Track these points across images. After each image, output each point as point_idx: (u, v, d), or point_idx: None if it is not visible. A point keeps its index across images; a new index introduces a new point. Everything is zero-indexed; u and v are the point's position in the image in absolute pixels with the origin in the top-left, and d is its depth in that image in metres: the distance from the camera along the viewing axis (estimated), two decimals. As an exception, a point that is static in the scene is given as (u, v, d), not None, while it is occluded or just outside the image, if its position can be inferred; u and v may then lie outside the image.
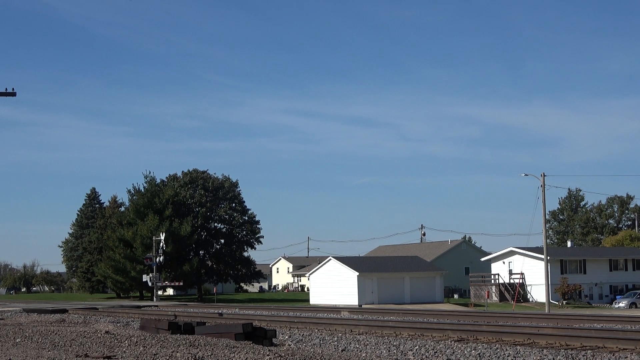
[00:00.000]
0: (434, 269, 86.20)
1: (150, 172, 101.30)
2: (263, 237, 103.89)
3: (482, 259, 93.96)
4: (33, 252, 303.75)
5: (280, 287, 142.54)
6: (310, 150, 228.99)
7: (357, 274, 78.96)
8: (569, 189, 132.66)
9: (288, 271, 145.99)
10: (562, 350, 20.92)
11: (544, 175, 65.21)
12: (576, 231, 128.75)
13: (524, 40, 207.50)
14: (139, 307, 59.11)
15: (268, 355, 17.21)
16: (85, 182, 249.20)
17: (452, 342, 23.58)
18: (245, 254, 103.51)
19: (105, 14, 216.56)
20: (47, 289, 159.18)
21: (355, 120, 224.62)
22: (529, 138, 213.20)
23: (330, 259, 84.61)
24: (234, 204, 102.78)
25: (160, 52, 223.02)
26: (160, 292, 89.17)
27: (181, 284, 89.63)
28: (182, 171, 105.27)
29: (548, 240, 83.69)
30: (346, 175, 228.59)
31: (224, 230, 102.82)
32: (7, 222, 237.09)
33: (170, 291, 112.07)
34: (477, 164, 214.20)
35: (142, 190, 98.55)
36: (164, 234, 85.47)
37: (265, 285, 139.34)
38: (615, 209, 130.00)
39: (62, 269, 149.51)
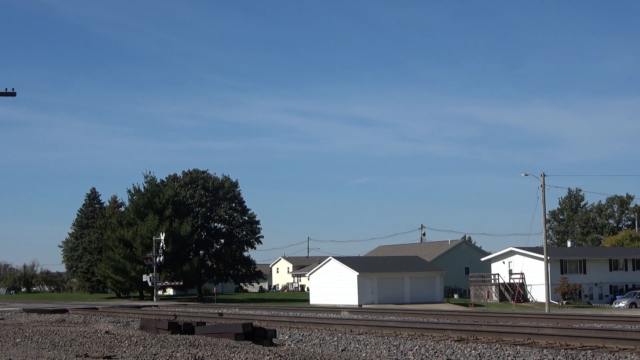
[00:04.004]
0: (434, 269, 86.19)
1: (150, 172, 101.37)
2: (263, 237, 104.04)
3: (482, 259, 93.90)
4: (33, 252, 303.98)
5: (280, 287, 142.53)
6: (310, 150, 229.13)
7: (357, 274, 78.94)
8: (569, 189, 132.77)
9: (288, 271, 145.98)
10: (562, 350, 20.92)
11: (544, 175, 65.20)
12: (576, 231, 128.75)
13: (523, 40, 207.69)
14: (139, 307, 59.11)
15: (268, 355, 17.21)
16: (85, 182, 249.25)
17: (452, 342, 23.59)
18: (245, 254, 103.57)
19: (104, 13, 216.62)
20: (47, 289, 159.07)
21: (354, 120, 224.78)
22: (529, 138, 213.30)
23: (330, 259, 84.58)
24: (234, 204, 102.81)
25: (159, 52, 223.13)
26: (160, 292, 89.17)
27: (181, 284, 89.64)
28: (182, 171, 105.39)
29: (548, 240, 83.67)
30: (346, 175, 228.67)
31: (224, 230, 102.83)
32: (7, 222, 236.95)
33: (170, 291, 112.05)
34: (477, 164, 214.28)
35: (142, 190, 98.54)
36: (164, 234, 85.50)
37: (265, 285, 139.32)
38: (615, 209, 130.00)
39: (62, 269, 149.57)
